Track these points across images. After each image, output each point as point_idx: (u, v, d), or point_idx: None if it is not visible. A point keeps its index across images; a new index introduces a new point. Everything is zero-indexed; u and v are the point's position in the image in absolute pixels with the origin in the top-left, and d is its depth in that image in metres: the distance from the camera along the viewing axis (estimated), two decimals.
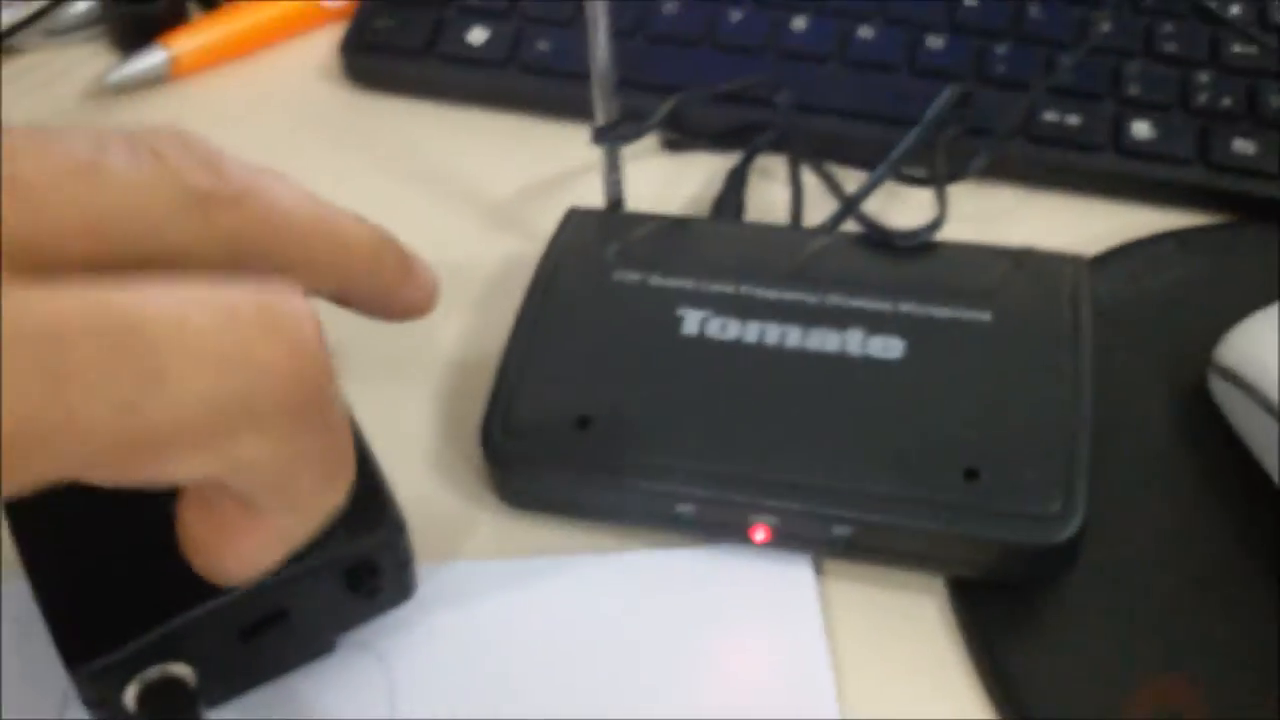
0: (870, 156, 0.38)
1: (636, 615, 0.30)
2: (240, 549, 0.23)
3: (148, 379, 0.18)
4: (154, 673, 0.25)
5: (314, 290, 0.24)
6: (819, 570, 0.31)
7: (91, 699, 0.25)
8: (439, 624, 0.30)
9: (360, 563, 0.27)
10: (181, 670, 0.25)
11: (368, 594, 0.27)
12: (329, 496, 0.22)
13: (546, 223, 0.36)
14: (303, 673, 0.29)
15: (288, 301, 0.20)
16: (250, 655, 0.27)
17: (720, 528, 0.30)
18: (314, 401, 0.20)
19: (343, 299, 0.26)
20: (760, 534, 0.30)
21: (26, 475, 0.18)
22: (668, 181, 0.40)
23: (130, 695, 0.25)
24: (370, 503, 0.26)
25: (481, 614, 0.30)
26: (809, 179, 0.38)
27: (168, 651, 0.25)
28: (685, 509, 0.30)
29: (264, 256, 0.23)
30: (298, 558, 0.24)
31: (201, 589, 0.24)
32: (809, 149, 0.38)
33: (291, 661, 0.29)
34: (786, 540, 0.30)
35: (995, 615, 0.30)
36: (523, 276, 0.35)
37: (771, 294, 0.32)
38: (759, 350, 0.31)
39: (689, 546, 0.31)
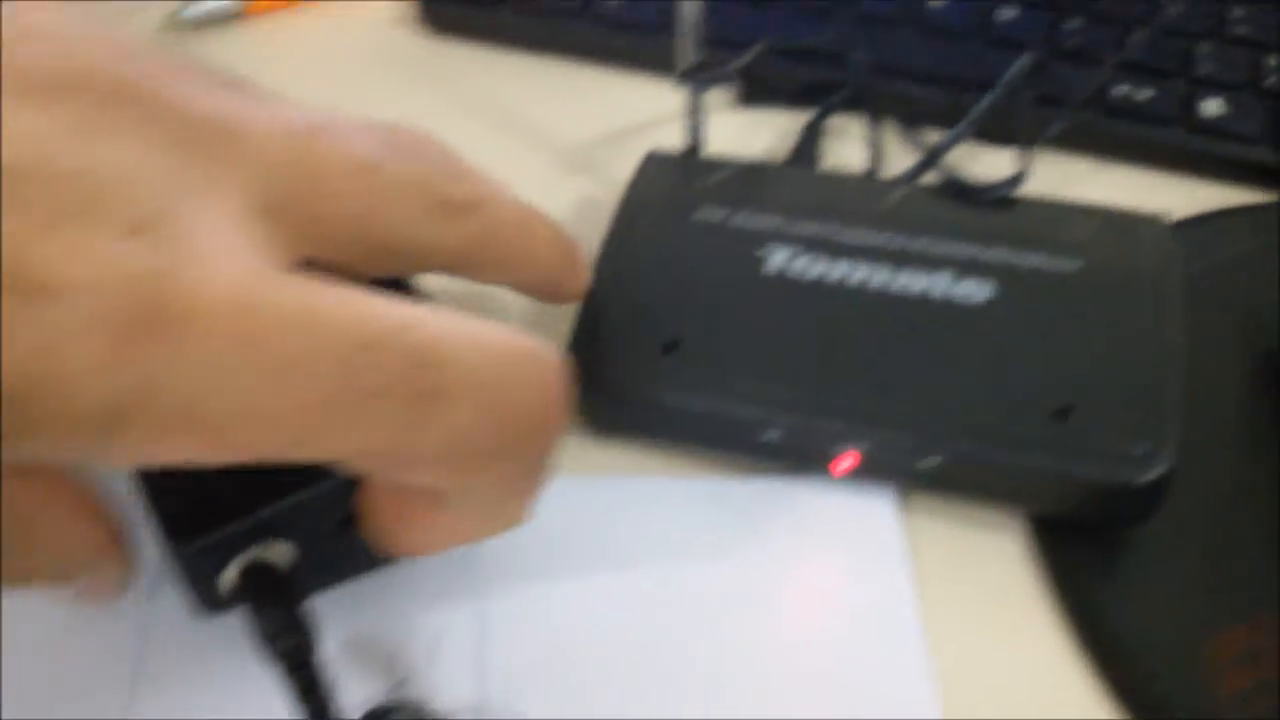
0: (942, 119, 0.38)
1: (717, 540, 0.30)
2: (418, 536, 0.24)
3: (430, 406, 0.18)
4: (255, 554, 0.25)
5: (510, 283, 0.28)
6: (901, 506, 0.31)
7: (193, 577, 0.25)
8: (523, 538, 0.30)
9: None
10: (282, 554, 0.25)
11: None
12: (520, 514, 0.23)
13: (621, 170, 0.36)
14: (393, 575, 0.29)
15: (546, 352, 0.21)
16: (349, 545, 0.27)
17: (804, 457, 0.30)
18: (549, 447, 0.21)
19: (522, 288, 0.28)
20: (846, 463, 0.30)
21: (284, 454, 0.18)
22: (742, 136, 0.40)
23: (230, 575, 0.25)
24: None
25: (566, 528, 0.30)
26: (884, 138, 0.38)
27: (269, 533, 0.25)
28: (771, 434, 0.30)
29: (489, 258, 0.25)
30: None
31: (304, 475, 0.25)
32: (888, 107, 0.38)
33: (382, 559, 0.29)
34: (871, 471, 0.30)
35: (1078, 555, 0.30)
36: (599, 220, 0.35)
37: (856, 236, 0.33)
38: (845, 289, 0.32)
39: (770, 476, 0.31)
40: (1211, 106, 0.40)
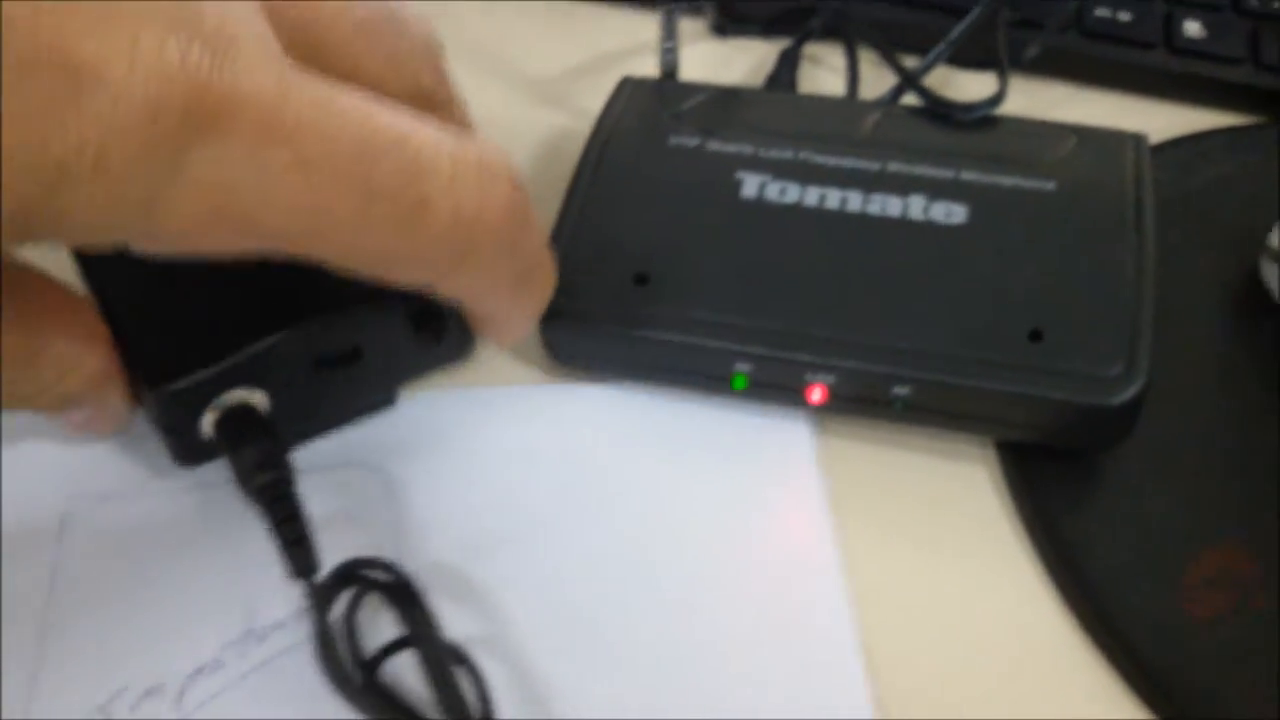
0: (920, 43, 0.37)
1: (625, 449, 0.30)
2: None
3: (419, 212, 0.20)
4: (232, 398, 0.25)
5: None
6: (819, 430, 0.31)
7: (170, 423, 0.25)
8: (442, 443, 0.30)
9: (427, 311, 0.28)
10: (258, 398, 0.26)
11: (432, 337, 0.28)
12: (522, 322, 0.27)
13: (594, 100, 0.36)
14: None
15: (499, 150, 0.22)
16: (322, 391, 0.27)
17: (776, 389, 0.30)
18: (525, 228, 0.23)
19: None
20: (817, 394, 0.30)
21: (298, 247, 0.20)
22: (716, 65, 0.40)
23: (208, 420, 0.25)
24: None
25: (492, 432, 0.31)
26: (860, 64, 0.38)
27: (247, 376, 0.25)
28: (742, 366, 0.29)
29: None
30: (369, 296, 0.25)
31: (277, 318, 0.26)
32: (863, 33, 0.38)
33: (357, 407, 0.29)
34: (844, 401, 0.30)
35: (1050, 483, 0.30)
36: (572, 149, 0.34)
37: (831, 160, 0.32)
38: (819, 214, 0.31)
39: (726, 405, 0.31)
40: (1192, 28, 0.39)
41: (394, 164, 0.20)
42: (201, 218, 0.19)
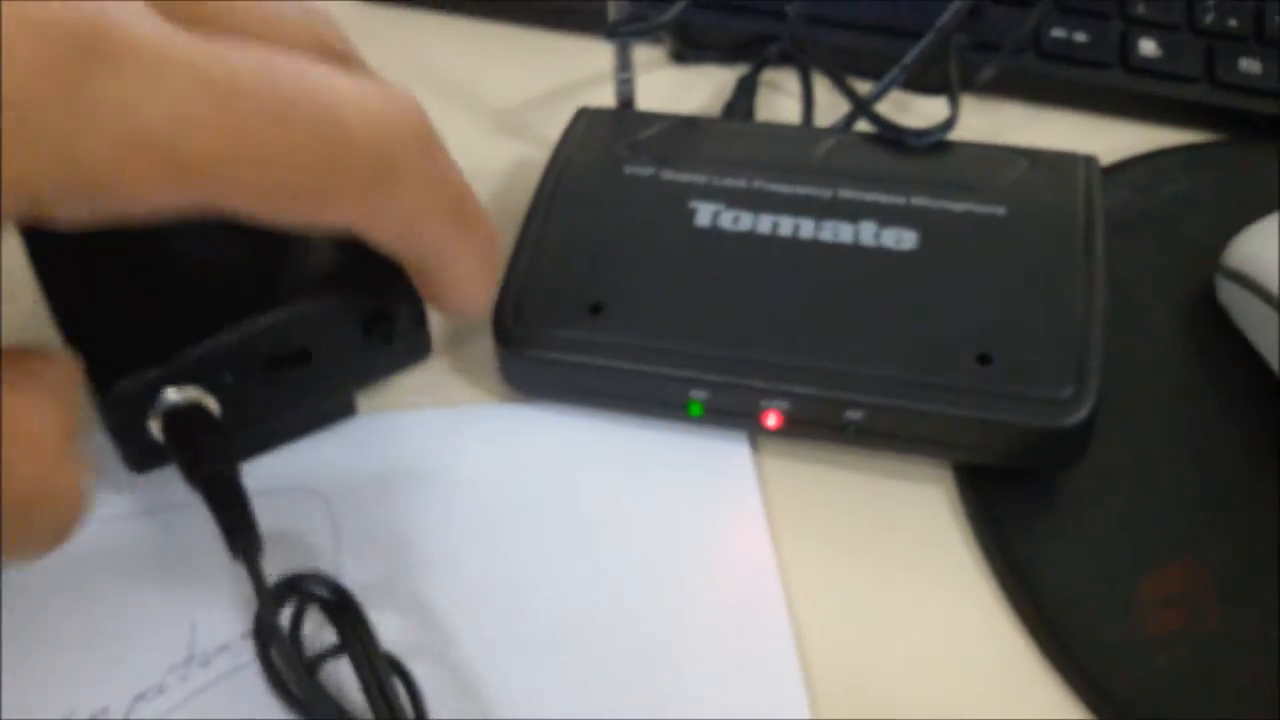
0: (878, 69, 0.37)
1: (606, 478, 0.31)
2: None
3: (335, 125, 0.21)
4: (179, 399, 0.25)
5: None
6: (773, 454, 0.31)
7: (117, 425, 0.25)
8: (391, 460, 0.31)
9: (377, 312, 0.28)
10: (207, 400, 0.26)
11: (382, 339, 0.28)
12: (476, 250, 0.26)
13: (553, 129, 0.36)
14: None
15: (393, 84, 0.23)
16: (274, 395, 0.27)
17: (732, 415, 0.30)
18: (442, 155, 0.23)
19: None
20: (772, 419, 0.30)
21: (203, 201, 0.20)
22: (675, 93, 0.40)
23: (155, 423, 0.25)
24: (390, 265, 0.27)
25: (433, 452, 0.31)
26: (816, 91, 0.38)
27: (195, 376, 0.25)
28: (698, 394, 0.30)
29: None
30: (316, 297, 0.26)
31: (223, 319, 0.26)
32: (819, 59, 0.38)
33: (315, 418, 0.30)
34: (799, 426, 0.30)
35: (1005, 505, 0.30)
36: (530, 178, 0.34)
37: (784, 188, 0.32)
38: (772, 241, 0.31)
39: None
40: (1148, 47, 0.40)
41: (302, 85, 0.20)
42: (122, 154, 0.18)
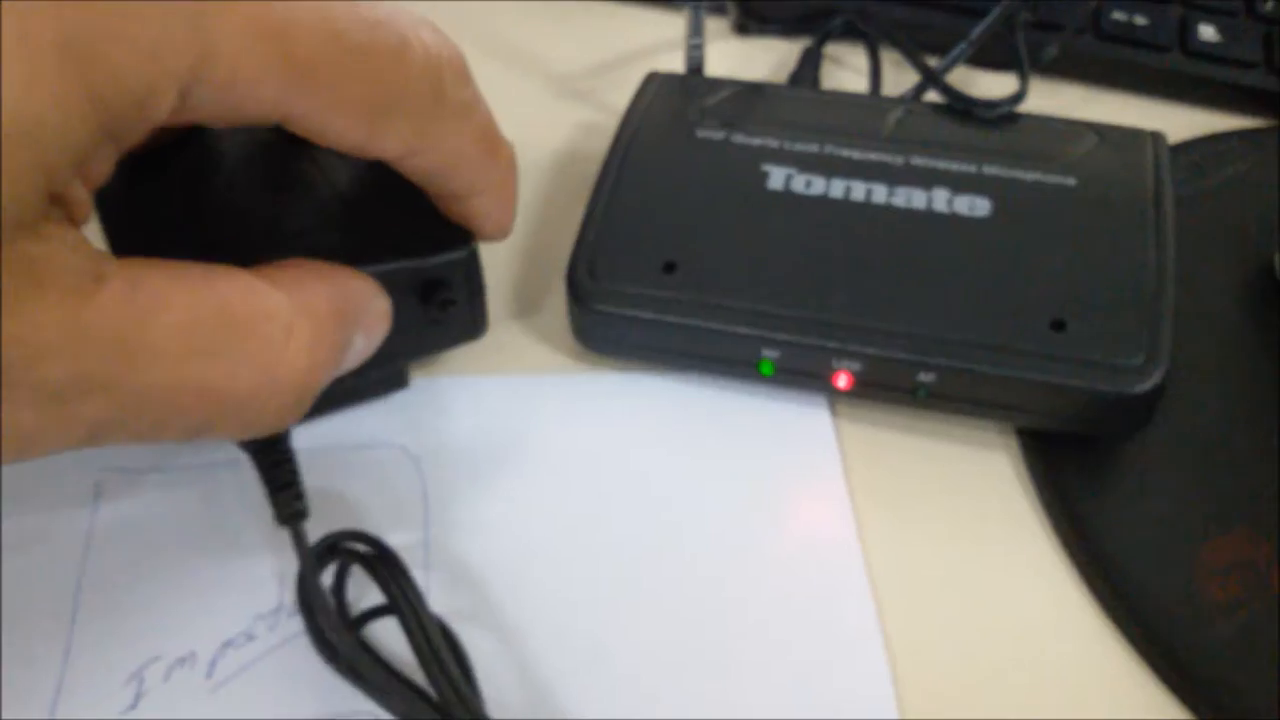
0: (938, 44, 0.38)
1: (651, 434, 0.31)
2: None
3: (400, 40, 0.23)
4: None
5: None
6: (841, 417, 0.31)
7: None
8: (471, 429, 0.31)
9: (435, 278, 0.28)
10: None
11: (440, 309, 0.28)
12: (506, 176, 0.28)
13: (617, 96, 0.36)
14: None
15: (427, 19, 0.25)
16: None
17: (802, 376, 0.30)
18: (471, 79, 0.25)
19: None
20: (843, 380, 0.30)
21: (295, 104, 0.22)
22: (738, 64, 0.40)
23: None
24: (450, 230, 0.28)
25: (518, 423, 0.31)
26: (881, 65, 0.38)
27: None
28: (770, 353, 0.30)
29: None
30: (375, 262, 0.26)
31: None
32: (885, 31, 0.38)
33: (369, 387, 0.30)
34: (868, 388, 0.30)
35: (1070, 468, 0.30)
36: (597, 143, 0.35)
37: (856, 154, 0.33)
38: (845, 205, 0.32)
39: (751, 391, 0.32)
40: (1208, 32, 0.40)
41: (380, 8, 0.23)
42: (250, 43, 0.20)
